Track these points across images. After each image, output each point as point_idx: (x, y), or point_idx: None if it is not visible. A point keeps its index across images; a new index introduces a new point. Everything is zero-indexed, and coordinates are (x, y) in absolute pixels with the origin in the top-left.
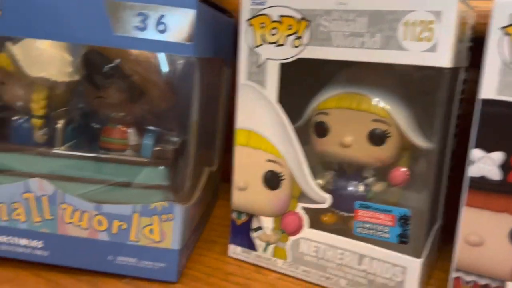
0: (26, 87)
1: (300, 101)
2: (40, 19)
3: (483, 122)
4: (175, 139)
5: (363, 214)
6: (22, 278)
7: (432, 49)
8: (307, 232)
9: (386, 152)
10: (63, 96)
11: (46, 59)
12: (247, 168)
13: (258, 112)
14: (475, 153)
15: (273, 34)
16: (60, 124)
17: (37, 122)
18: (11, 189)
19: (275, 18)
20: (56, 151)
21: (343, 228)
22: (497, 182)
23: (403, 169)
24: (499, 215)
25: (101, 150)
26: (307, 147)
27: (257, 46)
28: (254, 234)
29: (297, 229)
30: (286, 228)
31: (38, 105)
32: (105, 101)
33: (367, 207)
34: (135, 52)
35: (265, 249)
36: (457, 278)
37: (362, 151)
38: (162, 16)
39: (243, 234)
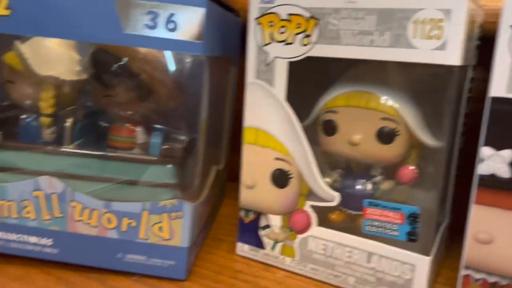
0: (35, 85)
1: (308, 99)
2: (51, 17)
3: (492, 120)
4: (182, 137)
5: (372, 212)
6: (32, 275)
7: (442, 47)
8: (315, 230)
9: (395, 151)
10: (71, 94)
11: (55, 57)
12: (255, 166)
13: (266, 111)
14: (485, 151)
15: (282, 33)
16: (68, 122)
17: (45, 120)
18: (21, 187)
19: (284, 17)
20: (64, 149)
21: (351, 226)
22: (507, 180)
23: (411, 167)
24: (508, 213)
25: (108, 148)
26: (315, 146)
27: (266, 44)
28: (262, 232)
29: (306, 227)
30: (294, 226)
31: (46, 104)
32: (113, 100)
33: (376, 205)
34: (143, 50)
35: (273, 247)
36: (466, 276)
37: (370, 150)
38: (172, 15)
39: (251, 232)
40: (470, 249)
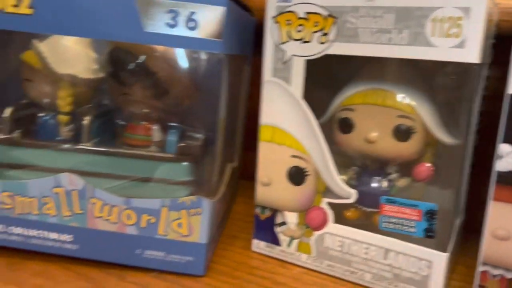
0: (53, 84)
1: (324, 97)
2: (72, 16)
3: (511, 117)
4: (198, 135)
5: (389, 209)
6: (52, 271)
7: (461, 45)
8: (332, 227)
9: (411, 148)
10: (88, 93)
11: (72, 56)
12: (271, 163)
13: (283, 109)
14: (503, 148)
15: (299, 31)
16: (86, 120)
17: (63, 118)
18: (42, 183)
19: (302, 15)
20: (82, 147)
21: (366, 224)
22: None
23: (428, 164)
24: None
25: (125, 146)
26: (330, 143)
27: (283, 43)
28: (278, 229)
29: (322, 224)
30: (311, 223)
31: (64, 102)
32: (130, 98)
33: (393, 202)
34: (160, 49)
35: (289, 244)
36: (484, 272)
37: (387, 147)
38: (192, 13)
39: (267, 229)
40: (488, 246)
